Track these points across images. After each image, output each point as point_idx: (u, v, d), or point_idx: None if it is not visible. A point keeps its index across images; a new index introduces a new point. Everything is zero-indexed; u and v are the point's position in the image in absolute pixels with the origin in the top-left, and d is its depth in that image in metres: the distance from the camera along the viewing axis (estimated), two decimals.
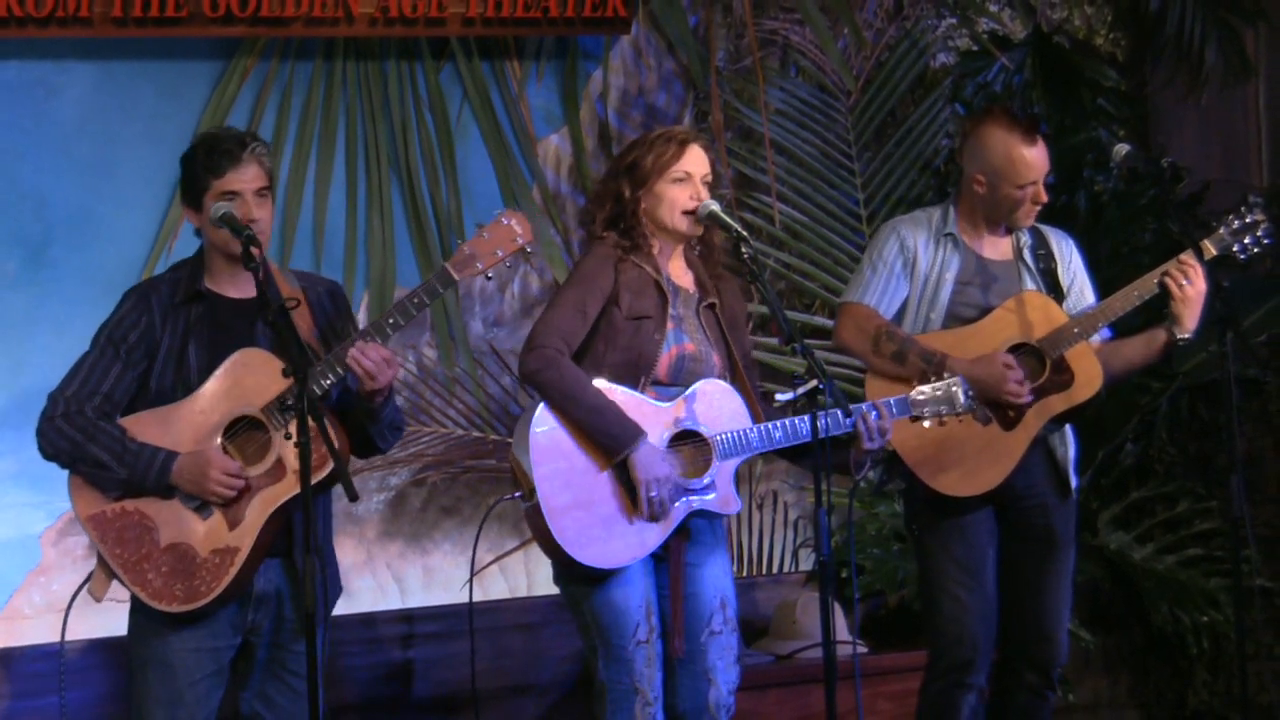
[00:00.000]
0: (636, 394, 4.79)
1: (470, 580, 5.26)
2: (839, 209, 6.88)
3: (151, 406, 4.52)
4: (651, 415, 4.79)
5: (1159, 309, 5.24)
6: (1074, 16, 7.33)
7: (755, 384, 5.01)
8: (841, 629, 6.23)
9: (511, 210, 4.68)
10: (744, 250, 4.72)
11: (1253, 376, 6.87)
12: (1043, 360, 5.19)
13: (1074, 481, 5.33)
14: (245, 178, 4.51)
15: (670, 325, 4.84)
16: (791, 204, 6.82)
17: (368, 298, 6.25)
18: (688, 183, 4.83)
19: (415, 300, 4.52)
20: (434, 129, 6.34)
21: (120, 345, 4.53)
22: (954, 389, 4.90)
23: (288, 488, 4.47)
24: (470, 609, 5.23)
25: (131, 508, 4.48)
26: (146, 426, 4.49)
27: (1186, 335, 5.16)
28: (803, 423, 4.76)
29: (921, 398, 4.91)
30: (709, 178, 4.88)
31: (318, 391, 4.42)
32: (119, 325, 4.55)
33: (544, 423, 4.74)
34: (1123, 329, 5.35)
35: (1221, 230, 5.21)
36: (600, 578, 4.74)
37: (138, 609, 4.54)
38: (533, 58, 6.48)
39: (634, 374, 4.80)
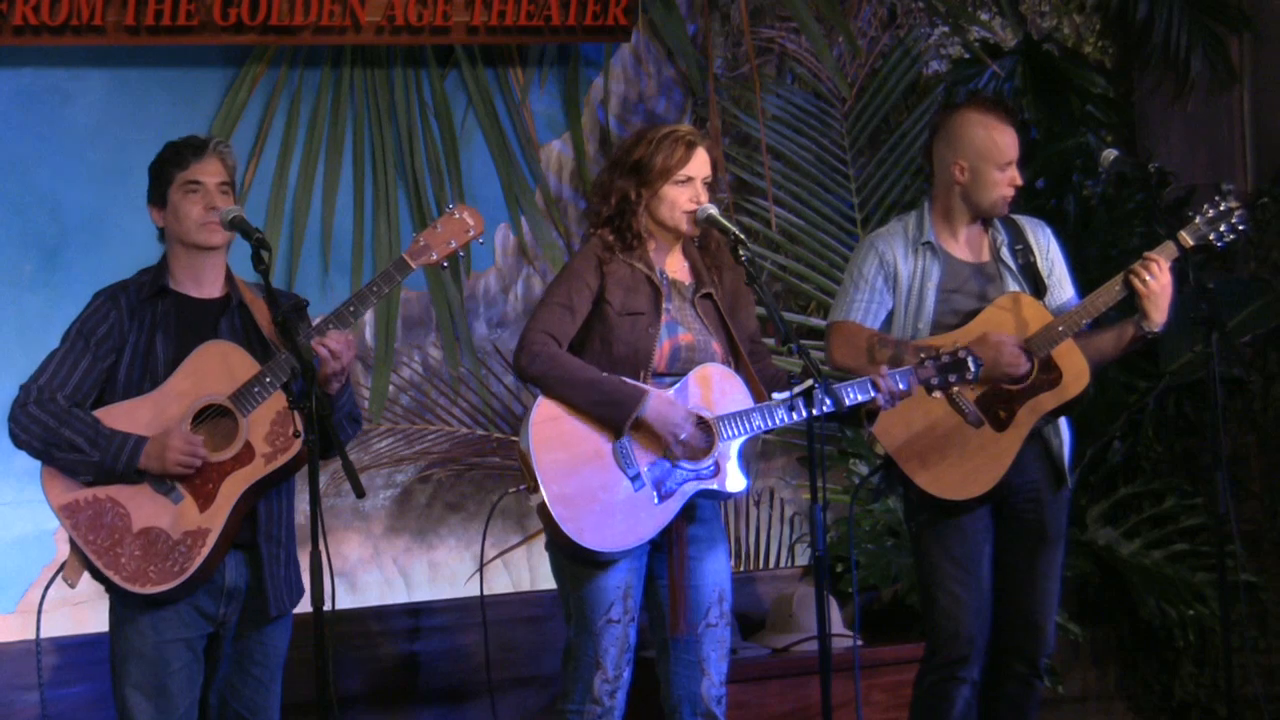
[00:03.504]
0: (637, 382, 4.83)
1: (481, 570, 5.29)
2: (834, 213, 6.93)
3: (120, 400, 4.60)
4: None
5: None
6: (1063, 25, 7.37)
7: (766, 364, 5.04)
8: (837, 622, 6.33)
9: (463, 204, 4.83)
10: (741, 253, 4.76)
11: (1237, 376, 6.89)
12: (1031, 359, 5.21)
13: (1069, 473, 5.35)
14: (208, 170, 4.64)
15: (665, 319, 4.89)
16: (787, 208, 6.87)
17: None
18: (689, 185, 4.90)
19: (374, 288, 4.65)
20: (439, 135, 6.38)
21: (90, 338, 4.61)
22: (962, 355, 4.91)
23: (256, 469, 4.55)
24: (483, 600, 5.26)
25: (103, 494, 4.55)
26: (116, 417, 4.58)
27: (1155, 329, 5.20)
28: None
29: (931, 366, 4.92)
30: (710, 179, 4.93)
31: (282, 379, 4.52)
32: (88, 320, 4.64)
33: (544, 415, 4.82)
34: (1099, 320, 5.36)
35: (1197, 220, 5.24)
36: (589, 557, 4.82)
37: (114, 603, 4.63)
38: (535, 65, 6.53)
39: (633, 368, 4.85)
